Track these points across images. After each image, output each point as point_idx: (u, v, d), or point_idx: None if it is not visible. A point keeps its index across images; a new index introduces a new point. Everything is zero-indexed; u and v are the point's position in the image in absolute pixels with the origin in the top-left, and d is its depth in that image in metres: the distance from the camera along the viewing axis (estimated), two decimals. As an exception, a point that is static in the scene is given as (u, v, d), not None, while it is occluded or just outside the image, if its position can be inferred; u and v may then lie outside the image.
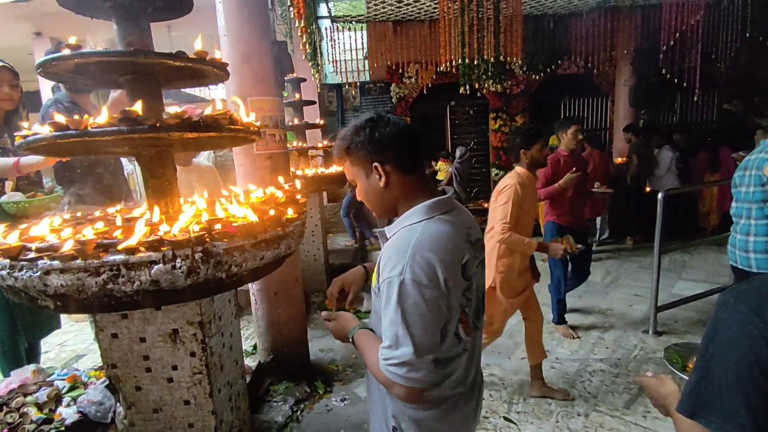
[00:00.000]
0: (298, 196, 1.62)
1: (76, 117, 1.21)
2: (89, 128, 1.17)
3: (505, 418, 2.59)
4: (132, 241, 1.12)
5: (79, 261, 1.09)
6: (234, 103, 2.39)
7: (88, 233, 1.19)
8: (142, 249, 1.12)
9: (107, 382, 1.86)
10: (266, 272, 1.39)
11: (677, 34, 5.19)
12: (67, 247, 1.10)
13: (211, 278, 1.19)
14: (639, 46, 6.45)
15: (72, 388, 1.77)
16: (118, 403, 1.80)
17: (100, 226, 1.36)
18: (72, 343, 3.53)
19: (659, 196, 3.46)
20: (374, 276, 1.09)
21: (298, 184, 1.87)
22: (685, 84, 5.54)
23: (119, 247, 1.12)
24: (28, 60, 6.35)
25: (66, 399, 1.68)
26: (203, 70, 1.45)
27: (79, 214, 1.78)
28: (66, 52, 1.20)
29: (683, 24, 5.14)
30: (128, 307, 1.20)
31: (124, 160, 3.17)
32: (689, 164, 6.05)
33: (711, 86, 6.75)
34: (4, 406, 1.65)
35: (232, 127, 1.35)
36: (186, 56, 1.31)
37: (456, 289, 1.00)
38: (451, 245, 1.01)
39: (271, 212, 1.38)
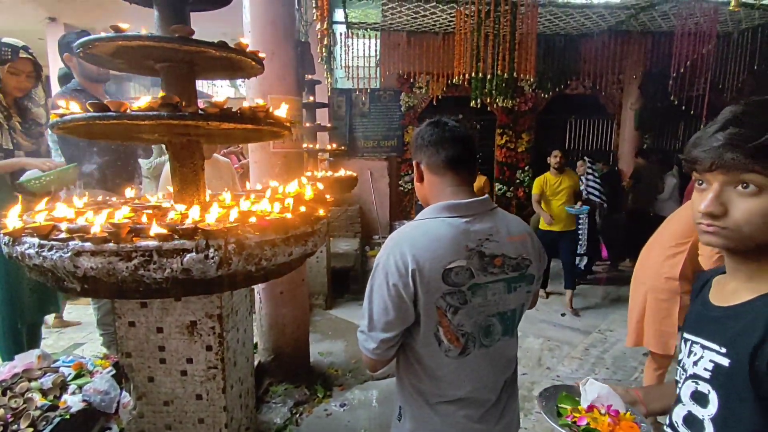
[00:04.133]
0: (327, 195, 1.61)
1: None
2: (129, 111, 1.17)
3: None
4: (165, 228, 1.11)
5: (111, 244, 1.08)
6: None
7: (121, 217, 1.18)
8: (175, 236, 1.11)
9: (114, 372, 1.84)
10: (292, 268, 1.38)
11: (688, 62, 5.27)
12: (99, 230, 1.09)
13: (242, 270, 1.18)
14: (648, 70, 6.54)
15: (77, 376, 1.73)
16: (123, 393, 1.77)
17: (126, 210, 1.34)
18: (70, 331, 3.47)
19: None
20: None
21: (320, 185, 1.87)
22: (692, 112, 5.61)
23: (152, 233, 1.10)
24: (40, 45, 6.32)
25: (72, 386, 1.64)
26: (241, 62, 1.44)
27: (99, 198, 1.76)
28: (111, 33, 1.19)
29: (694, 53, 5.21)
30: (156, 295, 1.18)
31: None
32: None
33: (714, 115, 6.82)
34: (8, 391, 1.61)
35: (269, 120, 1.34)
36: (228, 46, 1.31)
37: (430, 289, 1.02)
38: (434, 246, 1.03)
39: (302, 208, 1.37)
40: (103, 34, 1.23)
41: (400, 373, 1.18)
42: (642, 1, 5.12)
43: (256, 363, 2.96)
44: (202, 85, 8.08)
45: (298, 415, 2.72)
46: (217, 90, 9.35)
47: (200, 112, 1.20)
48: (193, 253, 1.11)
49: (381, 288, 1.04)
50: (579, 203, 4.55)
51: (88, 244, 1.07)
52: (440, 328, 1.05)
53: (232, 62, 1.45)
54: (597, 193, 5.44)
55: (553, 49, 6.62)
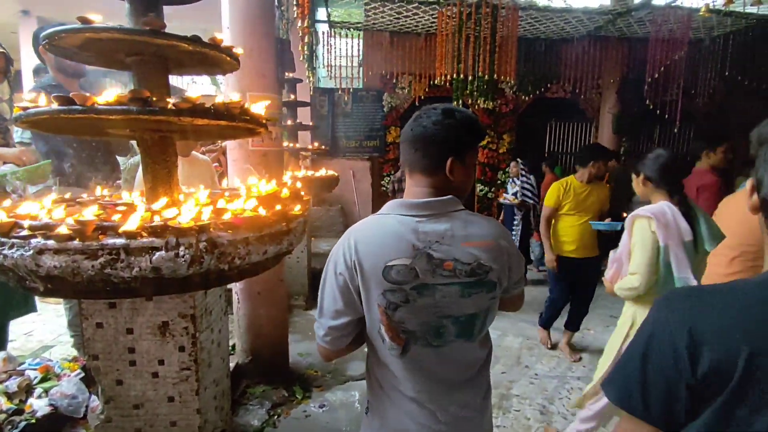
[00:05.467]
0: (303, 193, 1.59)
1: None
2: (96, 105, 1.13)
3: (485, 432, 2.58)
4: (133, 225, 1.07)
5: (76, 242, 1.04)
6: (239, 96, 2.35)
7: (87, 214, 1.14)
8: (144, 234, 1.08)
9: (81, 375, 1.78)
10: (267, 267, 1.36)
11: (662, 68, 5.42)
12: (64, 227, 1.05)
13: (214, 269, 1.16)
14: (625, 75, 6.69)
15: (44, 379, 1.67)
16: (92, 398, 1.72)
17: (95, 209, 1.30)
18: (40, 333, 3.35)
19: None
20: None
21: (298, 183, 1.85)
22: (666, 116, 5.77)
23: (120, 230, 1.07)
24: (12, 38, 6.12)
25: (37, 390, 1.59)
26: (215, 58, 1.41)
27: (67, 195, 1.71)
28: (78, 24, 1.15)
29: (668, 59, 5.36)
30: (125, 294, 1.15)
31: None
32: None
33: (689, 120, 7.05)
34: (-31, 395, 1.55)
35: (244, 117, 1.32)
36: (201, 41, 1.28)
37: (371, 284, 1.02)
38: (379, 241, 1.02)
39: (277, 206, 1.35)
40: (69, 26, 1.19)
41: (367, 366, 1.18)
42: (619, 7, 5.24)
43: (233, 364, 2.91)
44: (183, 82, 7.94)
45: (275, 417, 2.69)
46: (198, 88, 9.20)
47: (172, 107, 1.18)
48: (163, 252, 1.08)
49: (330, 277, 1.06)
50: (608, 219, 3.44)
51: (51, 242, 1.03)
52: (381, 325, 1.04)
53: (207, 57, 1.41)
54: (530, 194, 5.44)
55: (533, 53, 6.73)
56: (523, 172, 5.53)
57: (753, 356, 0.61)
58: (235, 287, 2.93)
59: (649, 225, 1.92)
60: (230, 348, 3.19)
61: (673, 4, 4.90)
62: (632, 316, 2.04)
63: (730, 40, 5.83)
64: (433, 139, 1.07)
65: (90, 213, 1.16)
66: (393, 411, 1.10)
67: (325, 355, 1.15)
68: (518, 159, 5.74)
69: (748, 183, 0.74)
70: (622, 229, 2.16)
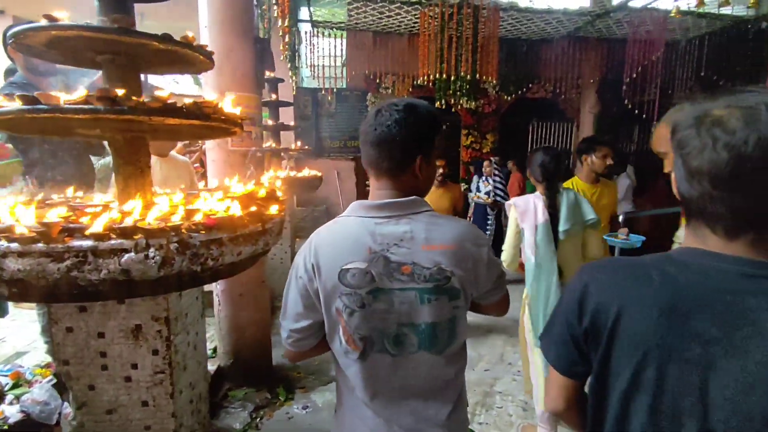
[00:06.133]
0: (279, 193, 1.58)
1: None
2: (62, 104, 1.10)
3: (468, 430, 2.60)
4: (100, 227, 1.05)
5: (41, 245, 1.02)
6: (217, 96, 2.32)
7: (53, 216, 1.11)
8: (112, 235, 1.06)
9: (54, 381, 1.74)
10: (243, 268, 1.34)
11: (639, 69, 5.53)
12: (28, 230, 1.02)
13: (186, 271, 1.14)
14: (604, 76, 6.81)
15: (15, 386, 1.63)
16: (65, 404, 1.68)
17: (61, 210, 1.27)
18: (13, 339, 3.26)
19: (620, 218, 3.62)
20: None
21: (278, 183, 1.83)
22: (645, 115, 5.89)
23: (87, 232, 1.05)
24: (-17, 37, 5.93)
25: (9, 396, 1.54)
26: (188, 57, 1.40)
27: (38, 197, 1.66)
28: (44, 22, 1.13)
29: (645, 59, 5.47)
30: (93, 298, 1.12)
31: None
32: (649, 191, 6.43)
33: (667, 119, 7.21)
34: (-66, 404, 1.50)
35: (217, 116, 1.31)
36: (173, 39, 1.27)
37: (328, 288, 0.98)
38: (336, 244, 1.00)
39: (252, 207, 1.34)
40: (35, 24, 1.17)
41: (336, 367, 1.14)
42: (597, 9, 5.33)
43: (215, 367, 2.88)
44: (165, 81, 7.80)
45: (258, 420, 2.67)
46: (180, 87, 9.06)
47: (142, 106, 1.16)
48: (132, 253, 1.06)
49: (293, 280, 1.06)
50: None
51: (14, 245, 1.01)
52: (339, 328, 1.01)
53: (179, 56, 1.39)
54: (502, 194, 5.46)
55: (515, 53, 6.80)
56: (497, 171, 5.59)
57: (619, 310, 0.75)
58: (216, 289, 2.90)
59: (514, 211, 2.32)
60: (212, 351, 3.16)
61: (649, 6, 5.00)
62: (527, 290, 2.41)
63: (706, 41, 5.98)
64: (400, 141, 1.00)
65: (55, 214, 1.13)
66: (349, 414, 1.09)
67: (291, 357, 1.15)
68: (491, 158, 5.79)
69: (673, 174, 0.81)
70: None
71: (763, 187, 0.67)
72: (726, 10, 4.86)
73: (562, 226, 2.24)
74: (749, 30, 5.44)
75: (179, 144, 3.91)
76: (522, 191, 5.84)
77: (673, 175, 0.81)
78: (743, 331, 0.66)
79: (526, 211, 2.26)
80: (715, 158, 0.67)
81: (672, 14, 3.66)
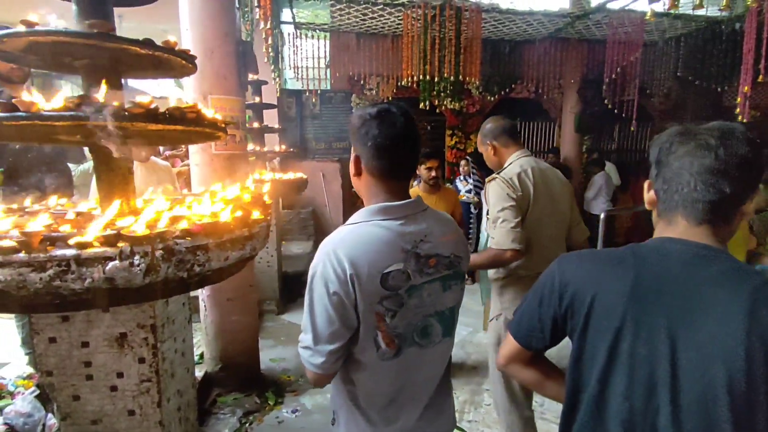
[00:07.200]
0: (266, 198, 1.57)
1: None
2: (41, 111, 1.09)
3: (457, 428, 2.62)
4: (87, 237, 1.04)
5: (22, 254, 1.00)
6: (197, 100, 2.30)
7: (35, 225, 1.09)
8: (96, 244, 1.05)
9: (37, 393, 1.70)
10: (230, 273, 1.34)
11: (618, 69, 5.64)
12: (8, 240, 1.00)
13: (172, 277, 1.13)
14: (585, 76, 6.92)
15: (-5, 399, 1.59)
16: (49, 415, 1.65)
17: (44, 219, 1.25)
18: (-9, 351, 3.18)
19: (601, 216, 3.69)
20: None
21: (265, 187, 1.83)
22: (624, 114, 6.00)
23: (70, 241, 1.03)
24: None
25: (-11, 410, 1.51)
26: (170, 61, 1.38)
27: (14, 206, 1.63)
28: (21, 28, 1.11)
29: (624, 60, 5.59)
30: (76, 307, 1.11)
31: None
32: (630, 189, 6.59)
33: (646, 118, 7.36)
34: None
35: (199, 121, 1.30)
36: (154, 44, 1.25)
37: (369, 295, 0.99)
38: (372, 249, 1.00)
39: (238, 212, 1.33)
40: (11, 30, 1.14)
41: (340, 378, 1.14)
42: (577, 10, 5.41)
43: (202, 373, 2.85)
44: (146, 83, 7.67)
45: (247, 425, 2.65)
46: (161, 89, 8.92)
47: (124, 112, 1.14)
48: (116, 261, 1.05)
49: (322, 298, 1.00)
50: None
51: (-6, 255, 0.99)
52: (379, 333, 1.03)
53: (161, 61, 1.38)
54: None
55: (498, 54, 6.86)
56: (474, 170, 5.64)
57: (595, 293, 0.86)
58: (202, 294, 2.87)
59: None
60: (198, 357, 3.12)
61: (627, 8, 5.10)
62: None
63: (682, 42, 6.13)
64: (411, 146, 1.08)
65: (38, 224, 1.11)
66: (363, 423, 1.09)
67: (321, 382, 1.09)
68: (468, 157, 5.86)
69: (646, 183, 0.94)
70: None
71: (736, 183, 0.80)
72: (700, 12, 4.99)
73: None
74: (723, 31, 5.59)
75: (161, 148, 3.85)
76: None
77: (645, 187, 0.94)
78: (697, 304, 0.77)
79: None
80: (707, 155, 0.81)
81: (647, 17, 3.74)
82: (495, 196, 1.91)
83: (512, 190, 1.90)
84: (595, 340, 0.85)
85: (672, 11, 3.69)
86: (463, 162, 5.83)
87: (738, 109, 4.13)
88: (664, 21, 5.50)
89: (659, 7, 3.77)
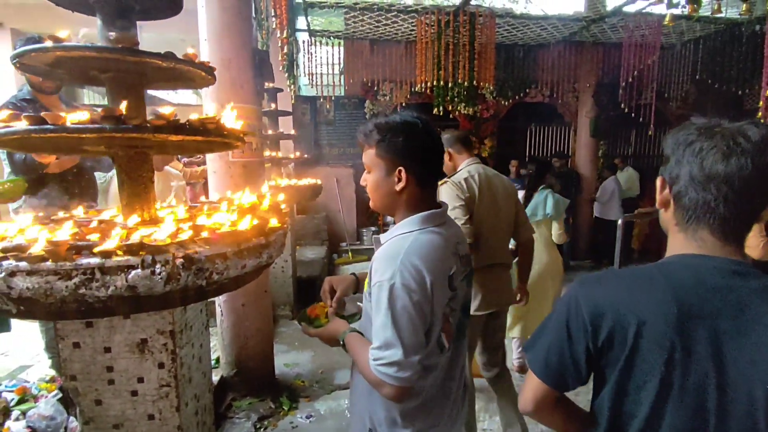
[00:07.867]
0: (283, 206, 1.60)
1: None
2: (68, 124, 1.12)
3: None
4: (110, 245, 1.07)
5: (49, 263, 1.03)
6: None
7: (62, 234, 1.13)
8: (119, 252, 1.07)
9: (59, 396, 1.75)
10: (247, 281, 1.36)
11: (635, 72, 5.57)
12: (37, 248, 1.04)
13: (192, 285, 1.15)
14: (600, 80, 6.86)
15: (21, 401, 1.64)
16: (70, 419, 1.69)
17: (69, 227, 1.29)
18: (16, 353, 3.27)
19: (618, 222, 3.64)
20: (366, 281, 1.15)
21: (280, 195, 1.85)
22: (641, 119, 5.92)
23: (95, 250, 1.06)
24: (-18, 50, 5.97)
25: (15, 412, 1.55)
26: (191, 73, 1.42)
27: (40, 214, 1.68)
28: (48, 43, 1.15)
29: (640, 63, 5.52)
30: (100, 314, 1.13)
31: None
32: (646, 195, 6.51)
33: (664, 122, 7.25)
34: (-59, 421, 1.51)
35: (219, 131, 1.32)
36: (176, 57, 1.29)
37: (441, 298, 1.07)
38: (439, 255, 1.07)
39: (255, 221, 1.35)
40: (40, 45, 1.19)
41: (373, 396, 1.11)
42: (592, 14, 5.38)
43: (218, 378, 2.89)
44: (164, 92, 7.84)
45: (262, 430, 2.67)
46: (179, 97, 9.10)
47: (146, 124, 1.18)
48: (139, 270, 1.07)
49: (406, 309, 0.99)
50: None
51: (23, 264, 1.02)
52: (443, 333, 1.09)
53: (182, 73, 1.42)
54: None
55: (512, 59, 6.85)
56: None
57: (640, 325, 0.76)
58: (218, 300, 2.90)
59: None
60: (215, 361, 3.16)
61: (643, 11, 5.05)
62: None
63: (700, 44, 6.03)
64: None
65: (64, 233, 1.15)
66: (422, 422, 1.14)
67: (405, 396, 1.04)
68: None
69: (658, 181, 0.84)
70: None
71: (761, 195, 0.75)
72: (719, 14, 4.91)
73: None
74: (743, 33, 5.49)
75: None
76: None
77: (658, 185, 0.85)
78: (742, 323, 0.73)
79: None
80: (742, 163, 0.72)
81: (666, 22, 3.70)
82: (447, 197, 2.12)
83: (461, 191, 2.13)
84: (643, 371, 0.77)
85: (694, 15, 3.64)
86: None
87: (760, 113, 4.04)
88: (682, 23, 5.42)
89: (679, 11, 3.72)
